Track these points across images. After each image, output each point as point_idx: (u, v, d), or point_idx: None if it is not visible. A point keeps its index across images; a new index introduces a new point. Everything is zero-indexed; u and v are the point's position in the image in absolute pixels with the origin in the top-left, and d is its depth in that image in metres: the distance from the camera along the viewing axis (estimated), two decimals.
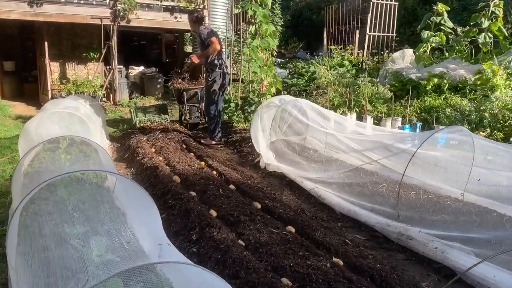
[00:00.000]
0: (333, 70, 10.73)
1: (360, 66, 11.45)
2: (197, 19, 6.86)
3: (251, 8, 6.06)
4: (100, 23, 10.63)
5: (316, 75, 10.66)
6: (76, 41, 11.92)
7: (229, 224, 3.61)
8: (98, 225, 3.62)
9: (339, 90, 9.05)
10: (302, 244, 3.14)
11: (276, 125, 5.56)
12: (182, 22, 11.78)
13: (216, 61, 6.62)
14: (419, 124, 5.42)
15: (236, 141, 6.84)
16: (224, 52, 7.04)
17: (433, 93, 7.27)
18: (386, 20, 12.02)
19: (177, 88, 8.24)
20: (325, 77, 9.14)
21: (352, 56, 12.61)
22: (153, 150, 6.37)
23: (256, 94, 6.85)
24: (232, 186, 4.55)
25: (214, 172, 5.11)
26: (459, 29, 9.22)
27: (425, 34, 8.77)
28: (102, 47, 10.76)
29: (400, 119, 5.78)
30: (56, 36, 11.58)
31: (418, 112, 6.77)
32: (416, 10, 15.45)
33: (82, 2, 10.56)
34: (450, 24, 8.86)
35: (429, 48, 8.98)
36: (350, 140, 4.49)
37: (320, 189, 4.36)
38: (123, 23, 10.90)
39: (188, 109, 8.26)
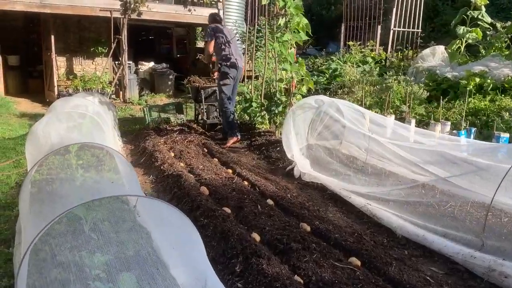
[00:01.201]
0: (356, 67, 10.12)
1: (384, 64, 10.82)
2: (212, 21, 6.81)
3: None
4: (109, 15, 10.02)
5: (338, 73, 10.05)
6: (83, 35, 11.33)
7: (278, 252, 3.02)
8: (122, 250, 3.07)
9: (366, 89, 8.44)
10: (377, 284, 2.55)
11: (312, 129, 4.96)
12: (195, 15, 11.18)
13: (223, 55, 6.42)
14: (473, 130, 4.82)
15: (261, 144, 6.24)
16: (235, 45, 6.58)
17: (477, 94, 6.65)
18: (411, 14, 11.37)
19: (194, 86, 7.64)
20: (351, 75, 8.52)
21: (373, 53, 11.98)
22: (172, 154, 5.78)
23: (283, 94, 6.24)
24: (270, 201, 3.96)
25: (246, 183, 4.51)
26: (498, 25, 8.57)
27: (461, 29, 8.14)
28: (112, 41, 10.16)
29: (448, 123, 5.16)
30: (63, 29, 10.99)
31: (463, 115, 6.15)
32: (438, 5, 14.78)
33: None
34: (488, 19, 8.22)
35: (464, 44, 8.34)
36: (410, 149, 3.88)
37: (373, 207, 3.77)
38: (133, 16, 10.29)
39: (205, 109, 7.67)
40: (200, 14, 11.18)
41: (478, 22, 8.21)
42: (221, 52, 6.31)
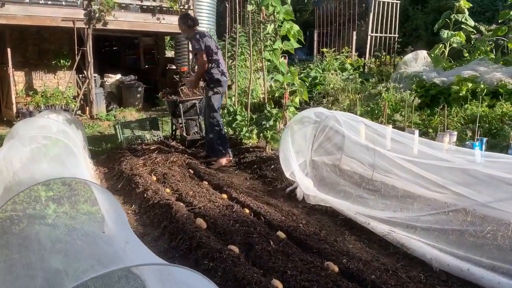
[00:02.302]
0: (336, 75, 9.78)
1: (362, 70, 10.55)
2: (192, 24, 5.90)
3: (271, 3, 4.98)
4: (72, 26, 9.26)
5: (318, 81, 9.69)
6: (43, 47, 10.48)
7: None
8: None
9: (351, 97, 8.09)
10: None
11: (315, 146, 4.49)
12: (165, 24, 10.57)
13: (214, 68, 5.70)
14: (484, 140, 4.49)
15: (252, 162, 5.71)
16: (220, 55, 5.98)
17: (473, 100, 6.38)
18: (388, 19, 11.18)
19: (171, 99, 7.05)
20: (335, 83, 8.15)
21: (349, 59, 11.71)
22: (155, 178, 5.17)
23: (272, 106, 5.75)
24: (281, 234, 3.43)
25: (247, 210, 3.97)
26: (483, 28, 8.44)
27: (445, 33, 7.93)
28: (76, 53, 9.39)
29: (455, 133, 4.82)
30: (20, 41, 10.13)
31: (462, 123, 5.86)
32: (408, 10, 14.77)
33: (50, 2, 9.19)
34: (472, 23, 8.06)
35: (448, 49, 8.14)
36: (437, 168, 3.46)
37: (399, 235, 3.31)
38: (99, 25, 9.58)
39: (185, 124, 7.08)
40: (169, 23, 10.58)
41: (462, 26, 8.04)
42: (210, 60, 5.69)
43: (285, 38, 5.32)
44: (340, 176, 4.52)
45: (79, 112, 9.95)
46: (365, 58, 11.09)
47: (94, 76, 10.35)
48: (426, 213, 3.31)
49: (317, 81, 9.69)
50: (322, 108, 4.94)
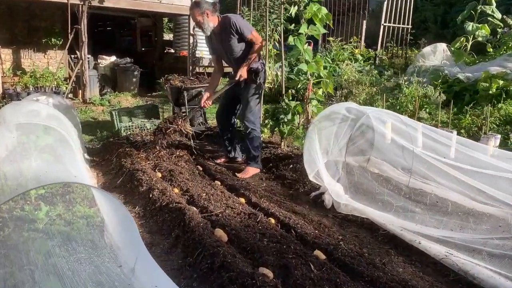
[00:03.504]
0: (352, 66, 9.21)
1: (373, 62, 9.99)
2: (214, 9, 4.58)
3: None
4: (66, 1, 8.53)
5: (329, 71, 9.10)
6: (34, 24, 9.75)
7: None
8: None
9: (366, 90, 7.55)
10: None
11: (349, 147, 3.95)
12: (166, 4, 9.87)
13: (257, 57, 4.71)
14: None
15: (266, 160, 5.14)
16: None
17: (507, 99, 5.87)
18: (401, 9, 10.60)
19: (175, 86, 6.42)
20: (349, 75, 7.59)
21: (357, 50, 11.13)
22: (160, 175, 4.58)
23: (290, 98, 5.18)
24: (320, 254, 2.88)
25: (272, 220, 3.41)
26: (510, 21, 7.91)
27: (469, 26, 7.39)
28: (69, 31, 8.66)
29: (498, 136, 4.32)
30: (8, 17, 9.38)
31: (498, 123, 5.36)
32: (417, 2, 14.21)
33: None
34: (499, 15, 7.53)
35: (471, 42, 7.61)
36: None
37: (460, 259, 2.79)
38: (95, 2, 8.86)
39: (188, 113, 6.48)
40: (170, 3, 9.90)
41: (488, 18, 7.51)
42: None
43: (310, 22, 4.73)
44: (375, 181, 3.99)
45: (70, 95, 9.26)
46: (376, 49, 10.52)
47: (88, 57, 9.65)
48: (497, 236, 2.79)
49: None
50: (353, 103, 4.39)
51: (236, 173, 4.82)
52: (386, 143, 4.27)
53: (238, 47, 4.55)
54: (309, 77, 4.78)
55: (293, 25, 4.74)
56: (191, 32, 10.26)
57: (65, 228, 3.27)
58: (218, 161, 5.31)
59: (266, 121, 5.36)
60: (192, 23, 10.27)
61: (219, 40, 4.66)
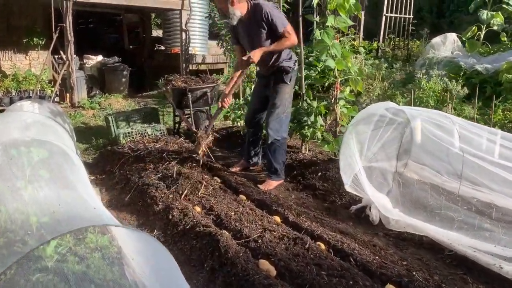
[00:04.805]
0: (360, 60, 8.77)
1: (376, 54, 9.58)
2: None
3: None
4: None
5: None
6: (13, 22, 9.03)
7: None
8: None
9: (378, 84, 7.13)
10: None
11: (400, 154, 3.50)
12: None
13: (290, 55, 4.21)
14: None
15: (289, 167, 4.64)
16: None
17: None
18: None
19: (178, 88, 5.87)
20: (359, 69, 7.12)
21: (355, 42, 10.70)
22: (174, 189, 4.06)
23: (311, 97, 4.71)
24: None
25: (322, 245, 2.93)
26: None
27: (484, 14, 7.02)
28: (53, 30, 7.98)
29: None
30: None
31: None
32: None
33: None
34: None
35: (484, 31, 7.25)
36: None
37: None
38: None
39: (193, 117, 5.96)
40: None
41: (503, 6, 7.16)
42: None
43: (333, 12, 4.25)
44: (424, 190, 3.55)
45: (57, 99, 8.59)
46: (376, 41, 10.10)
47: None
48: None
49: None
50: (391, 102, 3.93)
51: (258, 185, 4.33)
52: (426, 145, 3.84)
53: (267, 43, 3.96)
54: (337, 74, 4.30)
55: (318, 17, 4.26)
56: (183, 27, 9.68)
57: (79, 266, 2.73)
58: (233, 169, 4.80)
59: None
60: (184, 18, 9.70)
61: (246, 31, 4.08)
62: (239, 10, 3.94)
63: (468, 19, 12.74)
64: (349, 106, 4.42)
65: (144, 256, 2.20)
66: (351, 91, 4.46)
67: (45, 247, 2.84)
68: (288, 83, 4.12)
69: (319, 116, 4.67)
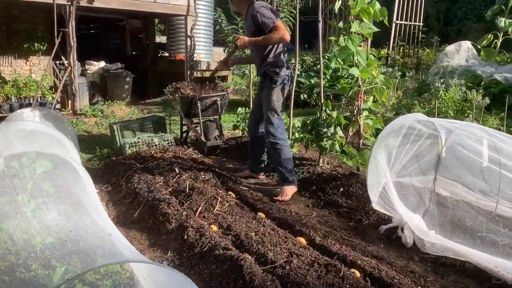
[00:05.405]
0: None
1: (385, 62, 9.35)
2: None
3: None
4: (51, 1, 7.61)
5: (341, 73, 8.44)
6: (13, 27, 8.77)
7: None
8: None
9: (391, 93, 6.88)
10: None
11: (437, 169, 3.24)
12: (161, 4, 9.03)
13: (281, 57, 4.19)
14: None
15: (307, 181, 4.38)
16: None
17: None
18: (413, 6, 9.99)
19: (186, 96, 5.61)
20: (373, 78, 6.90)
21: (364, 49, 10.48)
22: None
23: (330, 107, 4.46)
24: None
25: (357, 273, 2.65)
26: None
27: (501, 21, 6.81)
28: (56, 35, 7.73)
29: None
30: None
31: None
32: None
33: None
34: None
35: (501, 39, 7.04)
36: None
37: None
38: (83, 3, 7.96)
39: (203, 126, 5.69)
40: (166, 2, 9.06)
41: None
42: (274, 49, 4.15)
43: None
44: (460, 209, 3.29)
45: (58, 106, 8.32)
46: (384, 48, 9.87)
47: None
48: None
49: (339, 73, 8.43)
50: (420, 114, 3.68)
51: (274, 197, 4.09)
52: (459, 161, 3.59)
53: None
54: (361, 83, 4.05)
55: (341, 22, 4.01)
56: (189, 33, 9.42)
57: None
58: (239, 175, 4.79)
59: (301, 135, 4.62)
60: (190, 24, 9.46)
61: (245, 29, 4.46)
62: (236, 6, 4.39)
63: (476, 26, 12.62)
64: (373, 118, 4.17)
65: None
66: (374, 101, 4.21)
67: (52, 274, 2.56)
68: (274, 86, 4.16)
69: (338, 127, 4.41)
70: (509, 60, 7.06)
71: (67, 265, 2.64)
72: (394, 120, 3.51)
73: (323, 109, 4.43)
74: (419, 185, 3.76)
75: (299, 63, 6.49)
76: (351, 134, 4.33)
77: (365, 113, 4.13)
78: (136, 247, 2.73)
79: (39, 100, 7.94)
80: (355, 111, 4.13)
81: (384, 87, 3.99)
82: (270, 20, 3.96)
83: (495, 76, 6.33)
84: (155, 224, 3.63)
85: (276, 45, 4.12)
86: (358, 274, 2.64)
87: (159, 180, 4.40)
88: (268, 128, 4.22)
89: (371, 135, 4.13)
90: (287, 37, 4.00)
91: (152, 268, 2.09)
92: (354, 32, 3.84)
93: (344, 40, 3.81)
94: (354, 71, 3.90)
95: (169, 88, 6.02)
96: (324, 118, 4.38)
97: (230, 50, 5.28)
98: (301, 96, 8.47)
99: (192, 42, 9.41)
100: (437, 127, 3.48)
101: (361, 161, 4.03)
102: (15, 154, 3.06)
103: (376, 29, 3.99)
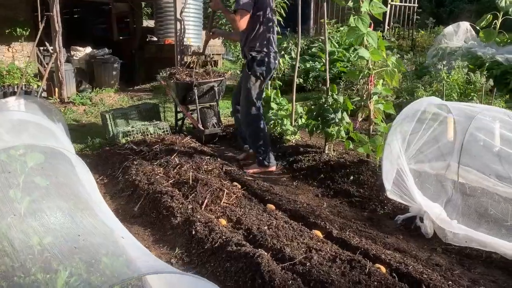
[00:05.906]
0: (353, 51, 8.36)
1: None
2: None
3: None
4: None
5: (337, 56, 8.25)
6: None
7: None
8: None
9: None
10: None
11: (460, 154, 3.08)
12: None
13: (263, 40, 4.18)
14: None
15: (313, 169, 4.20)
16: (275, 28, 4.38)
17: None
18: None
19: (183, 82, 5.36)
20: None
21: None
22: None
23: (336, 92, 4.28)
24: None
25: (383, 268, 2.49)
26: None
27: (502, 1, 6.62)
28: (40, 20, 7.35)
29: None
30: None
31: None
32: None
33: None
34: None
35: (500, 20, 6.86)
36: None
37: None
38: None
39: (199, 113, 5.45)
40: None
41: None
42: (253, 33, 4.14)
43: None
44: (480, 196, 3.15)
45: (44, 94, 7.98)
46: (383, 31, 9.66)
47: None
48: None
49: (335, 56, 8.24)
50: (435, 97, 3.51)
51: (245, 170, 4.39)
52: (475, 146, 3.45)
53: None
54: (371, 66, 3.86)
55: (350, 1, 3.79)
56: (178, 16, 9.09)
57: None
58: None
59: (306, 121, 4.43)
60: (179, 7, 9.12)
61: None
62: None
63: (469, 7, 12.50)
64: (383, 102, 3.99)
65: None
66: (383, 85, 4.03)
67: (55, 279, 2.35)
68: (249, 72, 4.22)
69: (345, 113, 4.23)
70: (509, 41, 6.94)
71: (70, 268, 2.43)
72: (410, 105, 3.34)
73: (329, 94, 4.23)
74: (435, 172, 3.62)
75: (295, 47, 6.25)
76: (360, 120, 4.15)
77: (375, 97, 3.94)
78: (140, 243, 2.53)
79: (23, 88, 7.59)
80: (365, 95, 3.95)
81: (395, 70, 3.80)
82: (240, 4, 3.98)
83: (496, 57, 6.20)
84: (158, 218, 3.43)
85: (258, 25, 4.13)
86: (383, 269, 2.48)
87: (158, 171, 4.18)
88: (248, 107, 4.32)
89: (382, 120, 3.96)
90: (240, 27, 4.03)
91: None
92: (364, 12, 3.63)
93: (354, 20, 3.59)
94: (364, 53, 3.70)
95: (162, 74, 5.76)
96: (330, 103, 4.18)
97: (210, 15, 5.31)
98: (297, 80, 8.25)
99: (182, 26, 9.10)
100: (452, 111, 3.32)
101: (373, 147, 3.87)
102: (5, 148, 2.81)
103: (386, 9, 3.78)
